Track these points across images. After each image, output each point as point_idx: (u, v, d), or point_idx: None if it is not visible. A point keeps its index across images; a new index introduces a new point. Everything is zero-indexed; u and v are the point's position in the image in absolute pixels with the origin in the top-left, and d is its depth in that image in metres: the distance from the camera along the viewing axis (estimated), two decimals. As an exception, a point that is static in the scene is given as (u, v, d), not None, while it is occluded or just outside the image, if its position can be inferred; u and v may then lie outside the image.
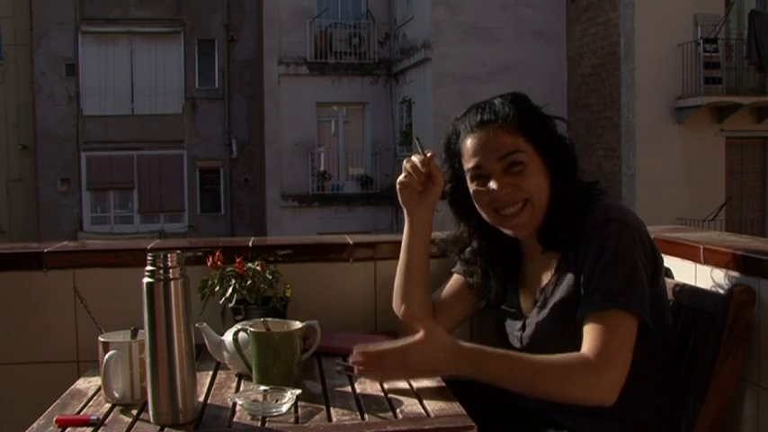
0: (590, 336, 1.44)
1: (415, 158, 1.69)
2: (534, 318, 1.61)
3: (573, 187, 1.58)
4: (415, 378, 1.49)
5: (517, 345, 1.65)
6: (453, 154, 1.65)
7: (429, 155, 1.67)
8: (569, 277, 1.54)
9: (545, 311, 1.58)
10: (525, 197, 1.56)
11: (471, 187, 1.62)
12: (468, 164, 1.60)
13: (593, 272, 1.47)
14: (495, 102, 1.60)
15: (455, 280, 1.80)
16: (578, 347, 1.48)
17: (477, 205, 1.63)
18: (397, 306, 1.78)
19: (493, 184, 1.56)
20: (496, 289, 1.70)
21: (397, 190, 1.71)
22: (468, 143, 1.60)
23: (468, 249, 1.74)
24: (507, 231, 1.61)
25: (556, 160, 1.58)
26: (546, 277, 1.61)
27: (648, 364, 1.53)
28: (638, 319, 1.45)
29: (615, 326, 1.43)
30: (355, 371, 1.44)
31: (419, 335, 1.41)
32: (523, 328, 1.63)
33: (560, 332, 1.54)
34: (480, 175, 1.59)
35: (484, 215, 1.63)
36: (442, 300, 1.79)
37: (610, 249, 1.47)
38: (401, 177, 1.70)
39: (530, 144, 1.57)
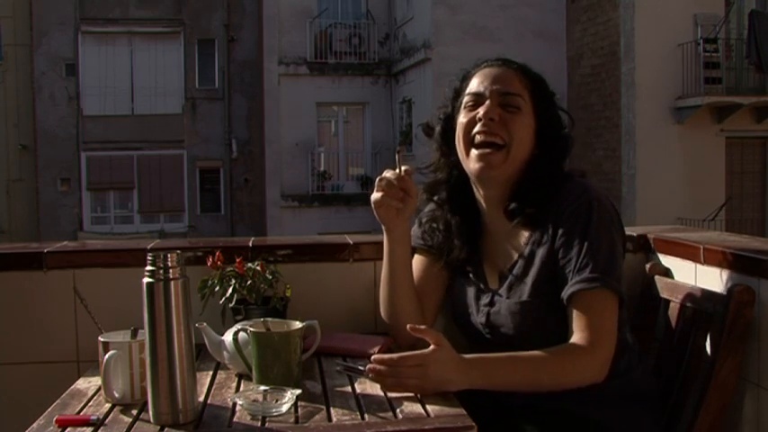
0: (580, 319, 1.48)
1: (389, 174, 1.62)
2: (505, 294, 1.60)
3: (552, 165, 1.60)
4: (430, 391, 1.42)
5: (481, 320, 1.64)
6: (456, 93, 1.67)
7: (405, 172, 1.62)
8: (543, 254, 1.55)
9: (519, 289, 1.58)
10: (506, 140, 1.57)
11: (461, 117, 1.63)
12: (470, 89, 1.63)
13: (579, 251, 1.50)
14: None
15: (419, 261, 1.77)
16: (550, 325, 1.52)
17: (457, 140, 1.64)
18: (386, 314, 1.76)
19: (483, 108, 1.59)
20: (459, 245, 1.68)
21: (373, 208, 1.64)
22: (479, 73, 1.64)
23: (437, 197, 1.73)
24: (474, 167, 1.60)
25: (547, 134, 1.60)
26: (515, 253, 1.61)
27: (620, 337, 1.56)
28: (618, 297, 1.51)
29: (603, 306, 1.49)
30: (370, 375, 1.42)
31: (432, 346, 1.41)
32: (491, 303, 1.63)
33: (534, 309, 1.55)
34: (475, 103, 1.61)
35: (459, 150, 1.63)
36: (418, 286, 1.75)
37: (593, 228, 1.50)
38: (376, 196, 1.63)
39: (531, 105, 1.60)
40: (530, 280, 1.56)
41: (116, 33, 19.76)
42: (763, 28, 12.05)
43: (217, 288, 1.79)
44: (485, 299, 1.64)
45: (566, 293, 1.50)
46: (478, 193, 1.67)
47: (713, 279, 1.75)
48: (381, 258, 1.97)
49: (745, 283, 1.60)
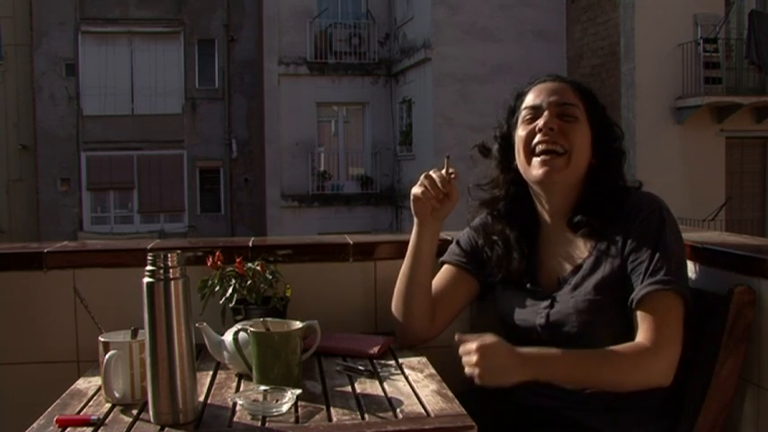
0: (647, 320, 1.50)
1: (435, 175, 1.66)
2: (568, 294, 1.60)
3: (611, 175, 1.64)
4: (488, 380, 1.42)
5: (541, 321, 1.63)
6: (510, 112, 1.70)
7: (453, 176, 1.67)
8: (610, 259, 1.57)
9: (584, 287, 1.58)
10: (566, 148, 1.60)
11: (519, 131, 1.66)
12: (527, 103, 1.66)
13: (651, 255, 1.52)
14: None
15: (448, 270, 1.80)
16: (615, 324, 1.54)
17: (516, 153, 1.66)
18: (398, 309, 1.78)
19: (542, 120, 1.61)
20: (519, 258, 1.70)
21: (411, 200, 1.70)
22: (534, 88, 1.67)
23: (495, 212, 1.75)
24: (537, 173, 1.62)
25: (603, 145, 1.65)
26: (577, 259, 1.63)
27: None
28: (686, 305, 1.52)
29: (671, 309, 1.50)
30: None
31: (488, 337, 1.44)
32: (552, 305, 1.63)
33: (601, 306, 1.56)
34: (534, 116, 1.64)
35: (520, 161, 1.66)
36: (439, 294, 1.78)
37: (666, 236, 1.54)
38: (417, 190, 1.68)
39: (586, 116, 1.64)
40: (596, 279, 1.58)
41: (116, 33, 19.76)
42: (763, 28, 12.04)
43: (217, 288, 1.79)
44: (543, 303, 1.65)
45: (637, 294, 1.52)
46: (541, 206, 1.70)
47: (713, 279, 1.74)
48: (382, 258, 1.97)
49: (745, 283, 1.60)
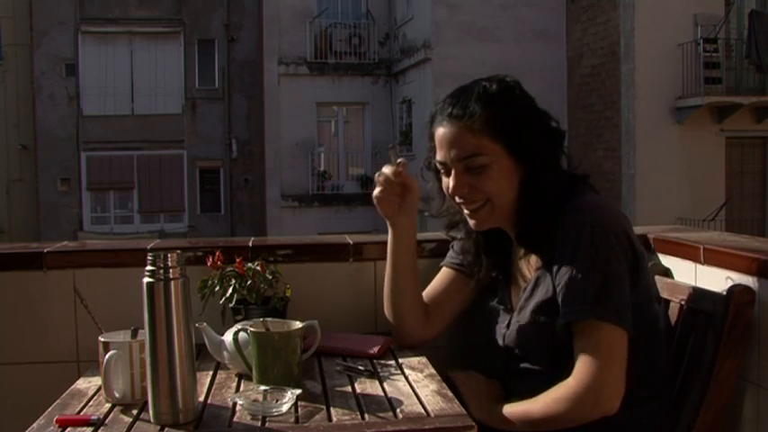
0: (575, 352, 1.45)
1: (387, 170, 1.67)
2: (516, 317, 1.61)
3: (547, 188, 1.53)
4: (472, 404, 1.53)
5: (500, 343, 1.65)
6: (431, 136, 1.63)
7: (400, 164, 1.66)
8: (548, 280, 1.53)
9: (525, 312, 1.57)
10: (484, 198, 1.56)
11: (442, 178, 1.63)
12: (436, 156, 1.61)
13: (568, 280, 1.45)
14: (475, 91, 1.56)
15: (445, 273, 1.80)
16: (557, 349, 1.50)
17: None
18: (388, 311, 1.78)
19: (451, 182, 1.58)
20: (487, 266, 1.69)
21: (375, 204, 1.70)
22: (437, 134, 1.59)
23: (464, 228, 1.73)
24: (470, 223, 1.62)
25: (528, 161, 1.54)
26: (528, 276, 1.61)
27: (636, 366, 1.48)
28: (620, 324, 1.43)
29: (588, 338, 1.43)
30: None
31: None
32: (508, 326, 1.63)
33: (538, 333, 1.54)
34: (446, 170, 1.60)
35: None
36: (433, 296, 1.78)
37: (581, 257, 1.44)
38: (376, 192, 1.69)
39: (497, 144, 1.53)
40: (535, 303, 1.55)
41: (116, 33, 19.76)
42: (763, 28, 12.05)
43: (217, 288, 1.79)
44: (503, 322, 1.65)
45: (558, 325, 1.47)
46: None
47: (713, 279, 1.75)
48: (382, 258, 1.97)
49: (745, 283, 1.60)
